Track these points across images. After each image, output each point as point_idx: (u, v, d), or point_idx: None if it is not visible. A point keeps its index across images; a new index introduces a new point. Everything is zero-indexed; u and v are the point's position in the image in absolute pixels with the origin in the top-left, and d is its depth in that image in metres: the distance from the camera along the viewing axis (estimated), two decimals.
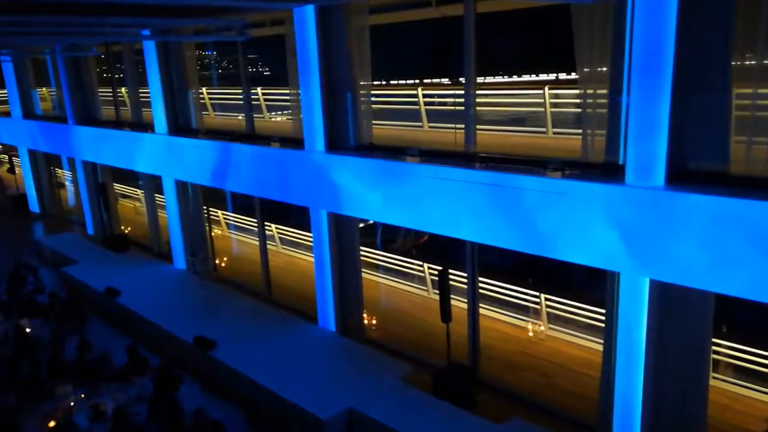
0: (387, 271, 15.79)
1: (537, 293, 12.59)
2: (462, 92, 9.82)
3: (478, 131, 10.07)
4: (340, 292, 12.53)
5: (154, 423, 9.64)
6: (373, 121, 11.83)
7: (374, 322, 13.27)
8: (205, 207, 16.62)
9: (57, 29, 10.94)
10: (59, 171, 26.06)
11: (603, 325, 9.10)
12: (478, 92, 10.04)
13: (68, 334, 12.53)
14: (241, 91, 14.40)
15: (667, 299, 7.88)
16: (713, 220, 6.79)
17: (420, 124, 13.18)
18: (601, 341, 9.27)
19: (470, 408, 9.91)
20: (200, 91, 16.27)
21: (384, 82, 20.25)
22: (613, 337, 8.43)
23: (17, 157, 26.71)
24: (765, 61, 7.03)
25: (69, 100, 20.01)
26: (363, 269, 12.78)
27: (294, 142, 12.52)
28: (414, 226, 10.45)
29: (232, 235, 20.36)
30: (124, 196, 24.70)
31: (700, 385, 8.00)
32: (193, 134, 15.35)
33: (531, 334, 12.38)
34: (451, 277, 10.60)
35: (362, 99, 11.37)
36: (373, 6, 11.15)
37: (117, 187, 22.69)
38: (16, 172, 27.41)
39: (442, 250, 16.21)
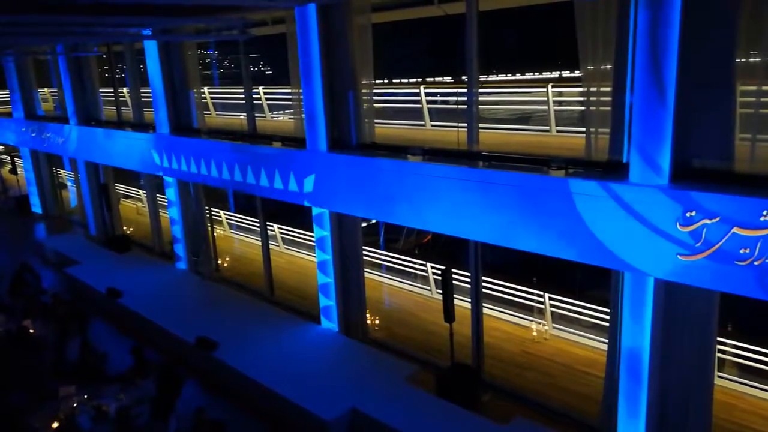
0: (390, 270, 15.75)
1: (541, 293, 12.54)
2: (464, 90, 9.78)
3: (481, 130, 10.03)
4: (342, 292, 12.50)
5: (156, 423, 9.62)
6: (376, 120, 11.78)
7: (377, 322, 13.23)
8: (207, 207, 16.60)
9: (58, 29, 10.93)
10: (61, 171, 26.07)
11: (607, 324, 9.05)
12: (480, 90, 10.00)
13: (71, 335, 12.51)
14: (242, 90, 14.37)
15: (672, 298, 7.84)
16: (718, 218, 6.74)
17: (422, 122, 13.14)
18: (606, 341, 9.22)
19: (474, 408, 9.87)
20: (202, 90, 16.24)
21: (386, 81, 20.20)
22: (617, 336, 8.39)
23: (19, 157, 26.74)
24: None
25: (71, 101, 20.01)
26: (366, 269, 12.74)
27: (296, 141, 12.49)
28: (416, 226, 10.41)
29: (234, 235, 20.35)
30: (126, 197, 24.71)
31: (705, 384, 7.96)
32: (194, 134, 15.33)
33: (535, 333, 12.33)
34: (454, 276, 10.56)
35: (364, 98, 11.33)
36: (375, 4, 11.11)
37: (119, 187, 22.69)
38: (18, 172, 27.42)
39: (446, 250, 16.19)
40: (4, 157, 34.13)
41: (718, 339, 8.60)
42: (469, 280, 10.72)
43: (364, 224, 12.91)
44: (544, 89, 11.44)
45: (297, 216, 17.09)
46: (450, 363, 10.59)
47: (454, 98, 12.00)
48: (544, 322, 12.44)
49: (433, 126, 13.05)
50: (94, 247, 19.56)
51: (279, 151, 12.52)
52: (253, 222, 18.44)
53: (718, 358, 9.60)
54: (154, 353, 12.34)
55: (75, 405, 9.90)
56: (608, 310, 8.83)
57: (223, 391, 11.49)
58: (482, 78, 10.48)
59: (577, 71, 8.69)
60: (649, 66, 7.17)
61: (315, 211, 12.27)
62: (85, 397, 10.11)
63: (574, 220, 7.98)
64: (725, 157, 7.18)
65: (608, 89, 8.15)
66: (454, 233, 9.60)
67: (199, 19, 12.21)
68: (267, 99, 16.41)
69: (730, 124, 7.10)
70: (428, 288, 14.74)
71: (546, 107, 11.35)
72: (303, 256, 17.66)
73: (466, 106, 9.83)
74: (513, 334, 12.52)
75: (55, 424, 9.59)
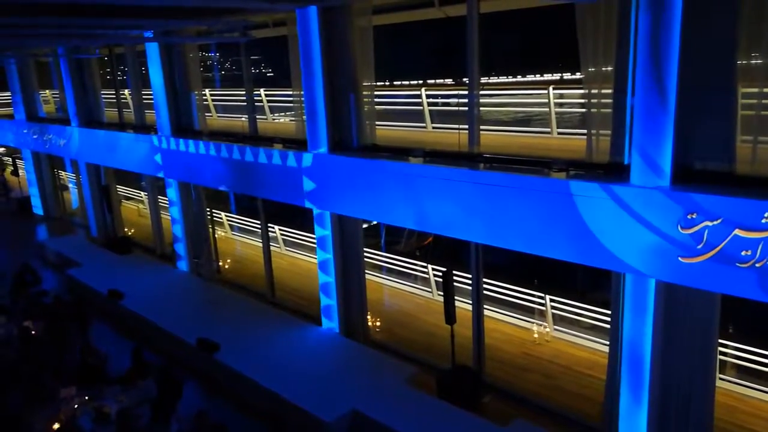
0: (391, 272, 15.75)
1: (542, 294, 12.53)
2: (465, 92, 9.78)
3: (482, 132, 10.03)
4: (343, 294, 12.50)
5: (157, 426, 9.61)
6: (377, 122, 11.79)
7: (378, 323, 13.23)
8: (208, 209, 16.61)
9: (60, 31, 10.95)
10: (62, 173, 26.11)
11: (608, 326, 9.05)
12: (482, 92, 10.00)
13: (72, 336, 12.51)
14: (243, 92, 14.38)
15: (673, 300, 7.83)
16: (720, 219, 6.74)
17: (424, 124, 13.14)
18: (607, 343, 9.21)
19: (475, 410, 9.86)
20: (203, 92, 16.26)
21: (387, 83, 20.22)
22: (618, 338, 8.38)
23: (21, 159, 26.76)
24: None
25: (72, 102, 20.04)
26: (367, 270, 12.74)
27: (297, 143, 12.50)
28: (417, 227, 10.41)
29: (236, 237, 20.36)
30: (127, 198, 24.73)
31: (707, 387, 7.95)
32: (196, 136, 15.35)
33: (536, 335, 12.32)
34: (455, 278, 10.56)
35: (365, 100, 11.34)
36: (376, 6, 11.12)
37: (120, 189, 22.72)
38: (20, 174, 27.46)
39: (447, 251, 16.19)
40: (6, 158, 34.19)
41: (720, 341, 8.58)
42: (470, 281, 10.72)
43: (365, 226, 12.91)
44: (545, 91, 11.45)
45: (297, 217, 17.12)
46: (451, 365, 10.59)
47: (455, 100, 12.01)
48: (545, 324, 12.43)
49: (434, 128, 13.06)
50: (95, 248, 19.56)
51: (280, 152, 12.54)
52: (255, 223, 18.44)
53: (720, 360, 9.58)
54: (153, 355, 12.33)
55: (76, 406, 9.90)
56: (609, 312, 8.83)
57: (224, 393, 11.49)
58: (483, 80, 10.48)
59: (578, 73, 8.69)
60: (650, 67, 7.17)
61: (316, 211, 12.27)
62: (86, 398, 10.11)
63: (576, 221, 7.98)
64: (726, 159, 7.18)
65: (609, 91, 8.15)
66: (455, 235, 9.61)
67: (201, 22, 12.23)
68: (268, 101, 16.42)
69: (732, 125, 7.10)
70: (429, 290, 14.74)
71: (547, 109, 11.36)
72: (304, 258, 17.66)
73: (467, 108, 9.84)
74: (514, 335, 12.52)
75: (56, 426, 9.58)
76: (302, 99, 11.97)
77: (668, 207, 7.14)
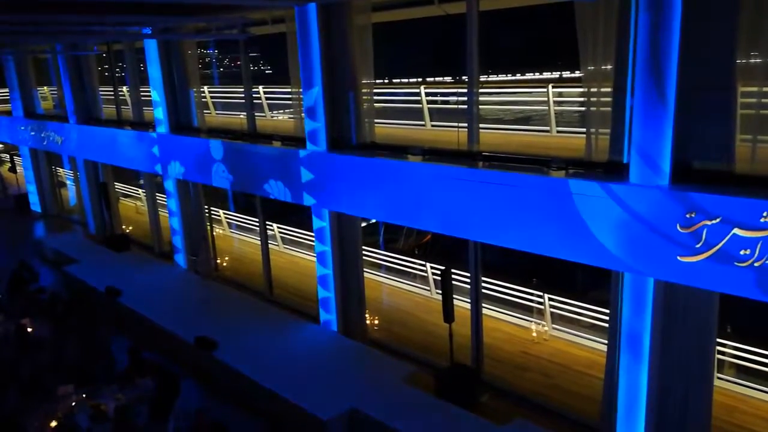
0: (389, 270, 15.73)
1: (541, 293, 12.52)
2: (465, 90, 9.76)
3: (481, 130, 10.01)
4: (342, 292, 12.48)
5: (154, 424, 9.60)
6: (376, 120, 11.77)
7: (376, 322, 13.22)
8: (206, 206, 16.58)
9: (58, 28, 10.93)
10: (60, 170, 26.05)
11: (607, 325, 9.04)
12: (481, 90, 9.99)
13: (70, 333, 12.48)
14: (242, 89, 14.35)
15: (672, 299, 7.82)
16: (719, 219, 6.73)
17: (423, 122, 13.12)
18: (605, 342, 9.21)
19: (473, 409, 9.85)
20: (202, 89, 16.22)
21: (386, 81, 20.20)
22: (617, 337, 8.37)
23: (19, 156, 26.71)
24: None
25: (70, 99, 19.99)
26: (365, 269, 12.73)
27: (296, 140, 12.47)
28: (416, 226, 10.41)
29: (234, 235, 20.33)
30: (126, 196, 24.69)
31: (705, 386, 7.95)
32: (194, 133, 15.31)
33: (534, 334, 12.32)
34: (454, 276, 10.55)
35: (364, 97, 11.32)
36: (375, 4, 11.10)
37: (118, 186, 22.68)
38: (18, 171, 27.40)
39: (445, 250, 16.18)
40: (3, 155, 34.10)
41: (718, 340, 8.58)
42: (468, 280, 10.71)
43: (363, 224, 12.89)
44: (545, 89, 11.43)
45: (295, 215, 17.09)
46: (449, 363, 10.58)
47: (455, 98, 11.99)
48: (544, 323, 12.43)
49: (433, 126, 13.04)
50: (93, 245, 19.51)
51: (278, 150, 12.51)
52: (253, 221, 18.42)
53: (718, 359, 9.58)
54: (150, 353, 12.31)
55: (73, 404, 9.88)
56: (608, 311, 8.82)
57: (222, 391, 11.47)
58: (482, 78, 10.46)
59: (578, 72, 8.68)
60: (650, 66, 7.16)
61: (314, 210, 12.22)
62: (84, 396, 10.09)
63: (574, 220, 7.97)
64: (726, 158, 7.17)
65: (609, 90, 8.14)
66: (454, 233, 9.59)
67: (199, 18, 12.21)
68: (267, 98, 16.39)
69: (731, 125, 7.09)
70: (428, 288, 14.73)
71: (546, 107, 11.34)
72: (302, 256, 17.64)
73: (466, 106, 9.82)
74: (512, 334, 12.51)
75: (53, 424, 9.57)
76: (301, 96, 11.94)
77: (667, 206, 7.13)
